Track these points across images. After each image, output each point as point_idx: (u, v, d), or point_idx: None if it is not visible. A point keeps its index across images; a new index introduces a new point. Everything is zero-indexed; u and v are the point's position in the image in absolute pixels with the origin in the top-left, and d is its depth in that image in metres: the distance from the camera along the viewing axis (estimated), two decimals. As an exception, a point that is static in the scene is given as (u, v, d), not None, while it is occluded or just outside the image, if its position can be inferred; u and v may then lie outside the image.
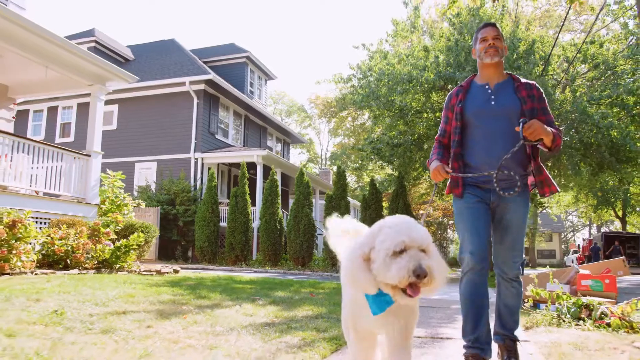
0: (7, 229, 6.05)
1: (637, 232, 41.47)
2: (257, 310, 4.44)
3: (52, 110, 20.74)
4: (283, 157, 25.64)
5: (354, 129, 45.50)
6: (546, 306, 4.63)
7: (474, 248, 2.60)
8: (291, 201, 25.29)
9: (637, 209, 36.23)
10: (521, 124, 2.55)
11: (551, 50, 11.63)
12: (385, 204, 15.88)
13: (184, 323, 3.55)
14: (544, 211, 49.42)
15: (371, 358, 1.99)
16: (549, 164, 16.51)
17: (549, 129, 2.59)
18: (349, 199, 14.81)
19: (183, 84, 18.05)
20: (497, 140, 2.67)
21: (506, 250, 2.71)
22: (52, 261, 6.97)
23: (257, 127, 23.08)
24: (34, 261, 6.44)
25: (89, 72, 9.57)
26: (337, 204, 14.42)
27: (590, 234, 57.42)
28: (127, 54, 22.35)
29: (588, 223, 58.83)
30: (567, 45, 14.12)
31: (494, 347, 2.73)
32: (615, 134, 11.46)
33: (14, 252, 5.99)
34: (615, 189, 30.02)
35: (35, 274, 6.20)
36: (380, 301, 1.71)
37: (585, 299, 4.28)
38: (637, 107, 12.41)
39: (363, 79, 13.21)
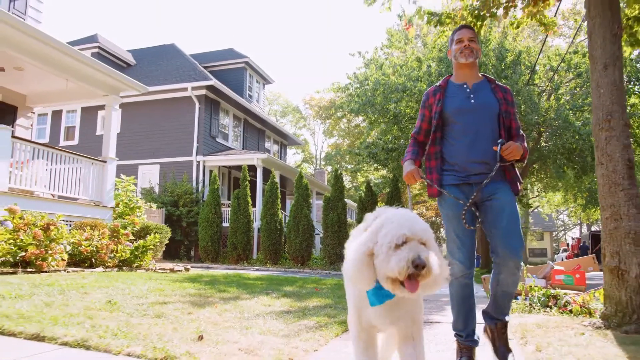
0: (42, 232, 6.73)
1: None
2: (273, 302, 5.15)
3: (57, 114, 21.30)
4: (280, 158, 26.34)
5: (349, 130, 46.27)
6: (521, 297, 5.38)
7: (462, 257, 2.68)
8: (288, 202, 26.08)
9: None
10: (499, 144, 2.64)
11: (535, 62, 12.41)
12: (380, 204, 16.61)
13: (217, 311, 4.26)
14: (536, 210, 50.47)
15: (372, 352, 1.98)
16: (536, 167, 17.33)
17: (522, 148, 2.68)
18: (346, 200, 15.52)
19: (185, 89, 18.71)
20: (479, 137, 2.72)
21: (503, 234, 2.64)
22: (78, 260, 7.64)
23: (256, 130, 23.76)
24: (65, 260, 7.11)
25: (105, 83, 10.23)
26: (335, 205, 15.14)
27: (581, 232, 58.48)
28: (129, 59, 22.95)
29: (578, 222, 59.86)
30: (552, 55, 14.92)
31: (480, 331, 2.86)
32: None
33: (49, 252, 6.66)
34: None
35: (67, 271, 6.89)
36: (379, 294, 1.74)
37: (553, 291, 5.04)
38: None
39: (360, 88, 13.97)
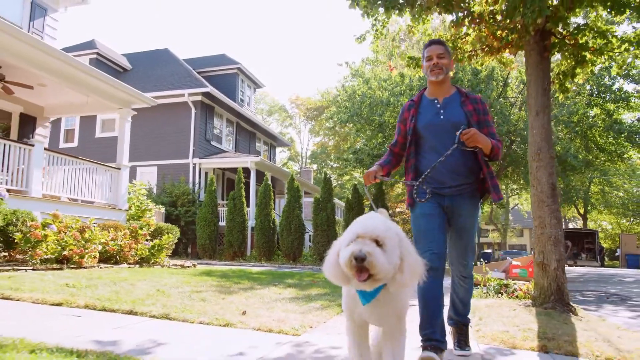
0: (79, 233, 7.86)
1: (596, 228, 44.53)
2: (281, 291, 6.37)
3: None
4: (270, 159, 27.52)
5: (335, 130, 47.63)
6: (480, 287, 6.69)
7: (433, 246, 2.72)
8: (278, 200, 27.23)
9: (597, 206, 39.10)
10: (462, 128, 2.77)
11: (506, 77, 13.78)
12: (366, 201, 17.91)
13: (242, 297, 5.46)
14: (516, 207, 52.30)
15: (365, 346, 2.11)
16: (510, 170, 18.79)
17: (488, 140, 2.79)
18: (335, 200, 16.79)
19: (182, 95, 19.78)
20: (443, 151, 2.83)
21: (460, 253, 2.92)
22: (105, 257, 8.77)
23: (247, 132, 24.89)
24: (97, 258, 8.25)
25: (119, 97, 11.31)
26: (324, 205, 16.39)
27: (563, 228, 60.69)
28: (125, 64, 23.87)
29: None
30: (522, 68, 16.34)
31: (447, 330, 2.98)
32: (559, 148, 13.72)
33: (86, 250, 7.80)
34: (577, 188, 32.62)
35: (100, 267, 8.03)
36: (365, 293, 1.89)
37: (505, 281, 6.36)
38: (579, 125, 14.69)
39: (348, 100, 15.25)
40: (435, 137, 2.89)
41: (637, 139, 14.49)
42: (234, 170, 22.01)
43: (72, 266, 7.50)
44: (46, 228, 7.30)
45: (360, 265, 1.71)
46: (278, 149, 55.75)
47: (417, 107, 3.01)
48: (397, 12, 5.55)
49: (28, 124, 11.82)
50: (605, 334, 3.80)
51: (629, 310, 6.77)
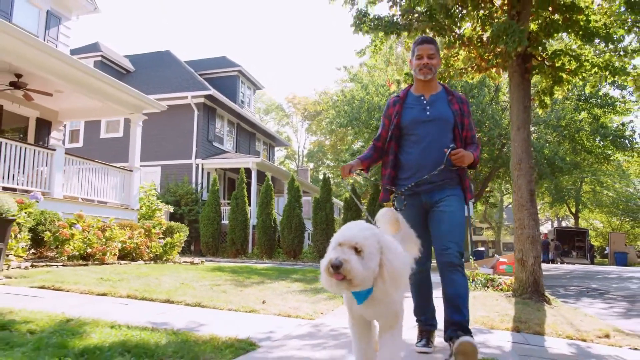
0: (101, 232, 8.50)
1: (588, 226, 45.46)
2: (290, 285, 7.05)
3: (61, 118, 22.71)
4: (269, 159, 28.17)
5: (332, 129, 48.34)
6: (469, 281, 7.40)
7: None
8: (277, 199, 27.92)
9: (588, 205, 39.97)
10: (450, 149, 2.77)
11: (497, 84, 14.49)
12: (363, 199, 18.62)
13: (257, 289, 6.13)
14: (510, 206, 53.09)
15: (365, 341, 2.25)
16: (502, 171, 19.51)
17: (470, 152, 2.84)
18: (333, 199, 17.47)
19: (186, 97, 20.41)
20: (431, 147, 2.85)
21: (441, 239, 2.82)
22: (123, 255, 9.42)
23: (247, 133, 25.54)
24: (116, 255, 8.90)
25: (131, 103, 11.93)
26: (323, 205, 17.09)
27: (553, 227, 61.68)
28: (128, 66, 24.44)
29: (547, 217, 62.89)
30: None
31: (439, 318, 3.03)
32: (547, 152, 14.45)
33: (108, 248, 8.46)
34: (569, 188, 33.44)
35: (120, 263, 8.68)
36: (358, 295, 2.01)
37: (492, 275, 7.07)
38: (567, 129, 15.43)
39: (347, 104, 15.95)
40: (420, 132, 2.90)
41: (621, 142, 15.25)
42: (234, 170, 22.67)
43: (96, 262, 8.16)
44: (72, 227, 7.95)
45: (337, 272, 1.85)
46: (277, 149, 56.50)
47: (403, 103, 3.02)
48: (395, 36, 6.23)
49: (44, 127, 12.43)
50: (570, 319, 4.51)
51: (604, 303, 7.51)
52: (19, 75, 10.18)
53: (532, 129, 15.46)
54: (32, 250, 8.11)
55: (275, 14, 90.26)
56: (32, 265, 6.91)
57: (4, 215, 5.79)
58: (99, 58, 22.22)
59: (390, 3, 6.47)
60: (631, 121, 15.65)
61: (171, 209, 13.42)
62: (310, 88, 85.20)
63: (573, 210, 39.67)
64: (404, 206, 2.89)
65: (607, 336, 3.87)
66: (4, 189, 8.40)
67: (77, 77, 10.36)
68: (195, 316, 4.01)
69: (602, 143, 15.96)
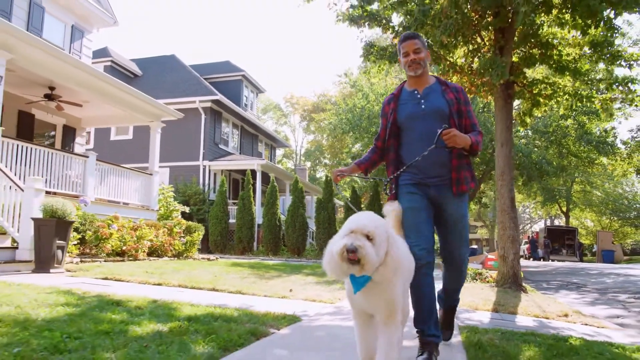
0: (133, 231, 9.52)
1: (579, 225, 46.76)
2: (305, 278, 8.08)
3: (73, 121, 23.66)
4: (270, 159, 29.21)
5: (330, 130, 49.40)
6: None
7: (420, 241, 2.70)
8: (280, 199, 28.95)
9: (579, 205, 41.19)
10: (442, 128, 2.72)
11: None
12: (363, 199, 19.69)
13: (279, 281, 7.16)
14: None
15: (366, 332, 2.29)
16: (493, 174, 20.60)
17: (467, 137, 2.77)
18: (335, 200, 18.53)
19: (194, 102, 21.41)
20: (429, 140, 2.78)
21: (444, 242, 2.92)
22: (150, 252, 10.43)
23: (250, 135, 26.56)
24: (145, 252, 9.92)
25: (151, 112, 12.93)
26: (325, 205, 18.14)
27: (546, 225, 63.08)
28: (135, 70, 25.38)
29: (539, 216, 64.14)
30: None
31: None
32: (534, 156, 15.56)
33: (139, 246, 9.48)
34: (559, 188, 34.59)
35: (150, 259, 9.71)
36: (355, 283, 2.11)
37: (481, 270, 8.14)
38: (554, 134, 16.55)
39: (349, 112, 17.03)
40: (418, 127, 2.88)
41: (604, 147, 16.38)
42: (238, 171, 23.71)
43: (130, 258, 9.18)
44: (109, 227, 8.97)
45: (353, 256, 1.95)
46: (278, 150, 57.49)
47: (397, 100, 3.01)
48: (398, 63, 7.26)
49: (69, 134, 13.41)
50: (540, 303, 5.60)
51: (578, 294, 8.60)
52: (52, 88, 11.15)
53: (521, 134, 16.62)
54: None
55: (275, 15, 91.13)
56: (81, 261, 7.94)
57: (66, 218, 6.81)
58: (109, 63, 23.16)
59: (394, 34, 7.51)
60: (613, 128, 16.61)
61: (187, 209, 14.42)
62: (307, 87, 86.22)
63: (564, 209, 40.88)
64: (409, 189, 2.90)
65: (566, 315, 4.95)
66: (47, 193, 9.40)
67: (105, 89, 11.33)
68: (241, 300, 5.04)
69: (587, 147, 17.07)
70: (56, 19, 12.96)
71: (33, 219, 6.74)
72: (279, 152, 59.92)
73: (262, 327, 3.35)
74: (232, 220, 19.78)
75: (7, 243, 7.16)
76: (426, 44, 3.08)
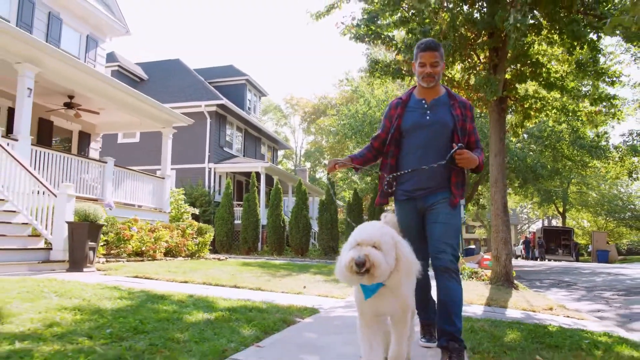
0: (150, 233, 10.15)
1: (576, 226, 47.50)
2: (313, 276, 8.71)
3: (81, 124, 24.28)
4: (272, 161, 29.86)
5: (329, 132, 50.10)
6: (459, 273, 9.12)
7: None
8: (283, 199, 29.59)
9: (575, 205, 41.90)
10: (456, 147, 2.73)
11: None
12: (364, 202, 20.34)
13: (291, 279, 7.79)
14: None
15: (372, 341, 2.27)
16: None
17: (476, 157, 2.81)
18: (337, 201, 19.18)
19: (199, 106, 22.05)
20: (429, 151, 2.84)
21: (436, 242, 2.82)
22: (165, 252, 11.06)
23: (253, 137, 27.19)
24: (162, 252, 10.55)
25: (163, 119, 13.56)
26: (328, 207, 18.77)
27: (542, 226, 63.84)
28: (141, 74, 25.99)
29: (537, 216, 64.87)
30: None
31: None
32: (529, 160, 16.23)
33: (157, 246, 10.11)
34: (556, 189, 35.28)
35: (166, 260, 10.33)
36: (366, 289, 2.16)
37: (476, 269, 8.78)
38: (548, 139, 17.22)
39: (351, 117, 17.71)
40: (420, 137, 2.90)
41: (596, 151, 17.05)
42: (242, 173, 24.34)
43: (149, 259, 9.81)
44: (130, 229, 9.59)
45: (360, 269, 1.97)
46: (279, 152, 58.12)
47: (405, 106, 3.01)
48: (400, 79, 7.92)
49: (84, 139, 14.03)
50: (529, 298, 6.24)
51: (567, 291, 9.25)
52: (71, 97, 11.77)
53: (517, 138, 17.28)
54: (96, 248, 9.74)
55: (271, 15, 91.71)
56: (107, 261, 8.57)
57: (97, 221, 7.44)
58: (116, 68, 23.76)
59: (397, 52, 8.14)
60: (606, 132, 17.28)
61: (197, 211, 15.04)
62: (307, 89, 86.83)
63: (561, 209, 41.58)
64: (391, 187, 2.99)
65: (551, 309, 5.59)
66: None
67: (121, 98, 11.96)
68: (263, 296, 5.67)
69: (580, 151, 17.74)
70: (73, 29, 13.57)
71: (67, 222, 7.36)
72: (280, 153, 60.79)
73: (289, 316, 3.99)
74: (237, 222, 20.40)
75: (41, 244, 7.78)
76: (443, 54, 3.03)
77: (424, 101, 2.96)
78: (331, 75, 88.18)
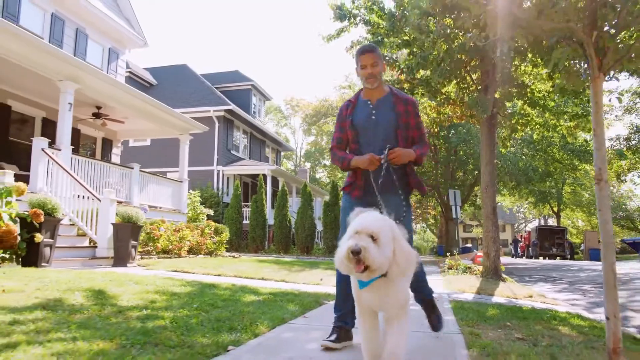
0: (175, 233, 11.21)
1: (571, 225, 48.70)
2: (324, 271, 9.75)
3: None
4: (276, 163, 30.94)
5: (330, 133, 51.09)
6: (453, 269, 10.19)
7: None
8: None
9: (569, 205, 43.07)
10: (387, 149, 2.89)
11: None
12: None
13: (306, 273, 8.84)
14: (499, 204, 56.05)
15: (372, 330, 2.38)
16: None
17: (411, 151, 2.96)
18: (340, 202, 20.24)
19: (208, 111, 23.13)
20: (376, 150, 2.96)
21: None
22: (187, 250, 12.10)
23: (258, 140, 28.26)
24: (186, 250, 11.60)
25: (181, 126, 14.60)
26: (332, 207, 19.86)
27: (537, 225, 65.04)
28: (150, 79, 27.02)
29: (532, 215, 66.05)
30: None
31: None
32: (521, 164, 17.34)
33: (182, 245, 11.17)
34: (550, 189, 36.41)
35: (189, 257, 11.39)
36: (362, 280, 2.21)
37: (470, 265, 9.86)
38: (540, 144, 18.33)
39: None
40: (368, 136, 3.06)
41: (585, 156, 18.19)
42: (248, 175, 25.41)
43: (175, 256, 10.87)
44: (159, 229, 10.65)
45: (357, 257, 1.97)
46: (283, 154, 59.09)
47: (354, 107, 3.16)
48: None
49: (107, 145, 15.08)
50: (513, 288, 7.33)
51: (552, 285, 10.33)
52: (99, 107, 12.81)
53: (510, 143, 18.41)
54: (128, 247, 10.78)
55: (271, 17, 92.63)
56: (141, 257, 9.62)
57: (138, 222, 8.50)
58: (127, 74, 24.75)
59: (399, 72, 9.21)
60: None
61: (212, 212, 16.08)
62: (308, 90, 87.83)
63: (555, 209, 42.74)
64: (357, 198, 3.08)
65: (531, 296, 6.68)
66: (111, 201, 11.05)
67: (143, 107, 12.98)
68: (289, 285, 6.73)
69: (570, 156, 18.86)
70: (97, 43, 14.61)
71: (112, 224, 8.42)
72: (282, 154, 61.89)
73: (319, 299, 5.06)
74: (245, 222, 21.47)
75: (86, 243, 8.84)
76: (382, 56, 3.30)
77: (369, 102, 3.13)
78: (332, 78, 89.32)
